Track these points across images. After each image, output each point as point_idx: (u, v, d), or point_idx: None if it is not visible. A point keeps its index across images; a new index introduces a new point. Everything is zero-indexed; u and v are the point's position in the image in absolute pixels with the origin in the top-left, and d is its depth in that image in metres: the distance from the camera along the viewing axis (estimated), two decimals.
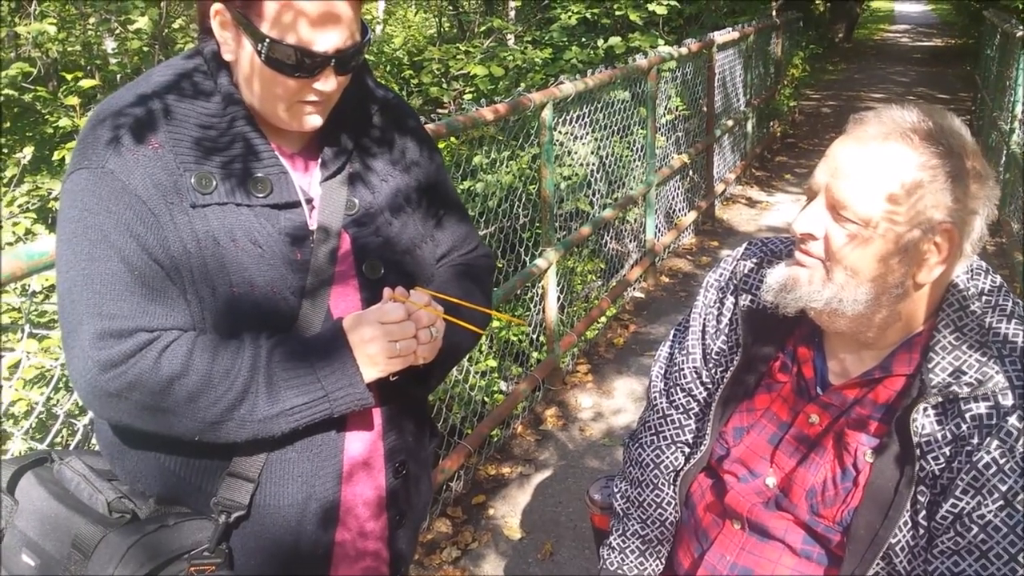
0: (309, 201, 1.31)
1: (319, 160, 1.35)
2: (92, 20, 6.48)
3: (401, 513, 1.44)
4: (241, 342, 1.23)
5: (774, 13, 8.91)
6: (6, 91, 5.29)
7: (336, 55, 1.22)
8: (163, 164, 1.21)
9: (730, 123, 7.00)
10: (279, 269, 1.25)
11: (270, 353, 1.23)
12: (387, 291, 1.30)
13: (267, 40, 1.18)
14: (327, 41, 1.20)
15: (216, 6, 1.22)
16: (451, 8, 9.11)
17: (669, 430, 1.49)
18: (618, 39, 6.57)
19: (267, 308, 1.25)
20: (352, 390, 1.25)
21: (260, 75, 1.23)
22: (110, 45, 6.65)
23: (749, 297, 1.37)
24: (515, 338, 4.24)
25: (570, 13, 7.24)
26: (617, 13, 7.12)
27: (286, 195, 1.28)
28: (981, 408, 1.14)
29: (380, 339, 1.25)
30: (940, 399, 1.16)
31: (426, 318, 1.29)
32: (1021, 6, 9.40)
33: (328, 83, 1.24)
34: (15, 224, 4.53)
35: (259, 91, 1.25)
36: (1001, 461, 1.11)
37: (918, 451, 1.16)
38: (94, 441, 1.40)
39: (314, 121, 1.28)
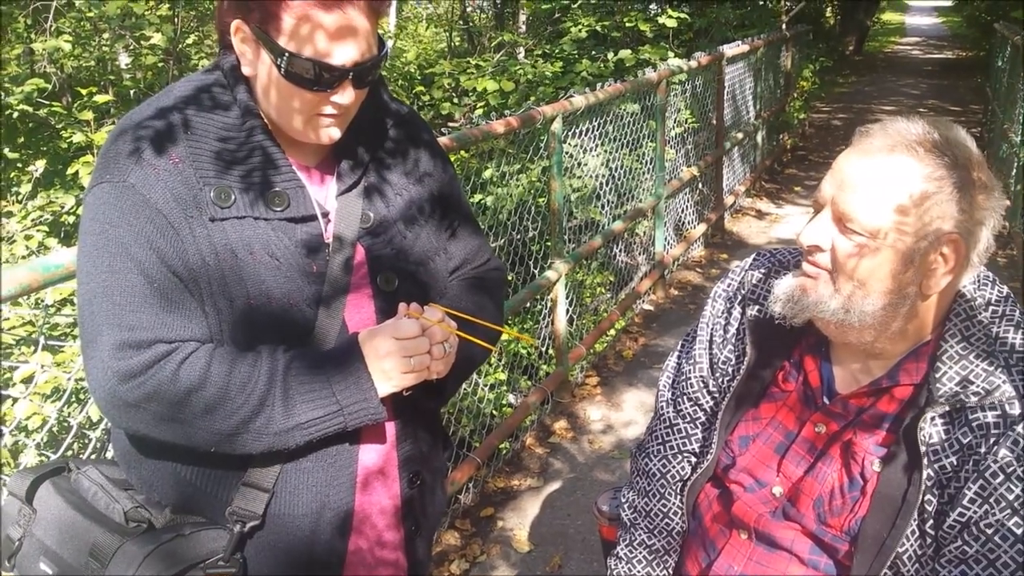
0: (325, 215, 1.33)
1: (335, 173, 1.36)
2: (106, 36, 6.54)
3: (417, 522, 1.45)
4: (258, 355, 1.25)
5: (784, 26, 8.93)
6: (21, 107, 5.35)
7: (354, 68, 1.24)
8: (183, 178, 1.23)
9: (740, 136, 7.00)
10: (295, 281, 1.27)
11: (287, 366, 1.24)
12: (402, 306, 1.31)
13: (286, 54, 1.20)
14: (345, 54, 1.22)
15: (236, 22, 1.24)
16: (462, 23, 9.18)
17: (676, 440, 1.50)
18: (628, 52, 6.61)
19: (283, 319, 1.27)
20: (366, 404, 1.27)
21: (279, 88, 1.25)
22: (124, 60, 6.72)
23: (756, 307, 1.38)
24: (524, 351, 4.25)
25: (580, 26, 7.28)
26: (627, 25, 7.16)
27: (303, 209, 1.30)
28: (989, 417, 1.15)
29: (395, 354, 1.26)
30: (947, 408, 1.17)
31: (440, 334, 1.30)
32: None
33: (346, 96, 1.26)
34: (28, 238, 4.58)
35: (278, 104, 1.27)
36: (1009, 470, 1.11)
37: (925, 460, 1.17)
38: (110, 453, 1.42)
39: (332, 133, 1.30)
